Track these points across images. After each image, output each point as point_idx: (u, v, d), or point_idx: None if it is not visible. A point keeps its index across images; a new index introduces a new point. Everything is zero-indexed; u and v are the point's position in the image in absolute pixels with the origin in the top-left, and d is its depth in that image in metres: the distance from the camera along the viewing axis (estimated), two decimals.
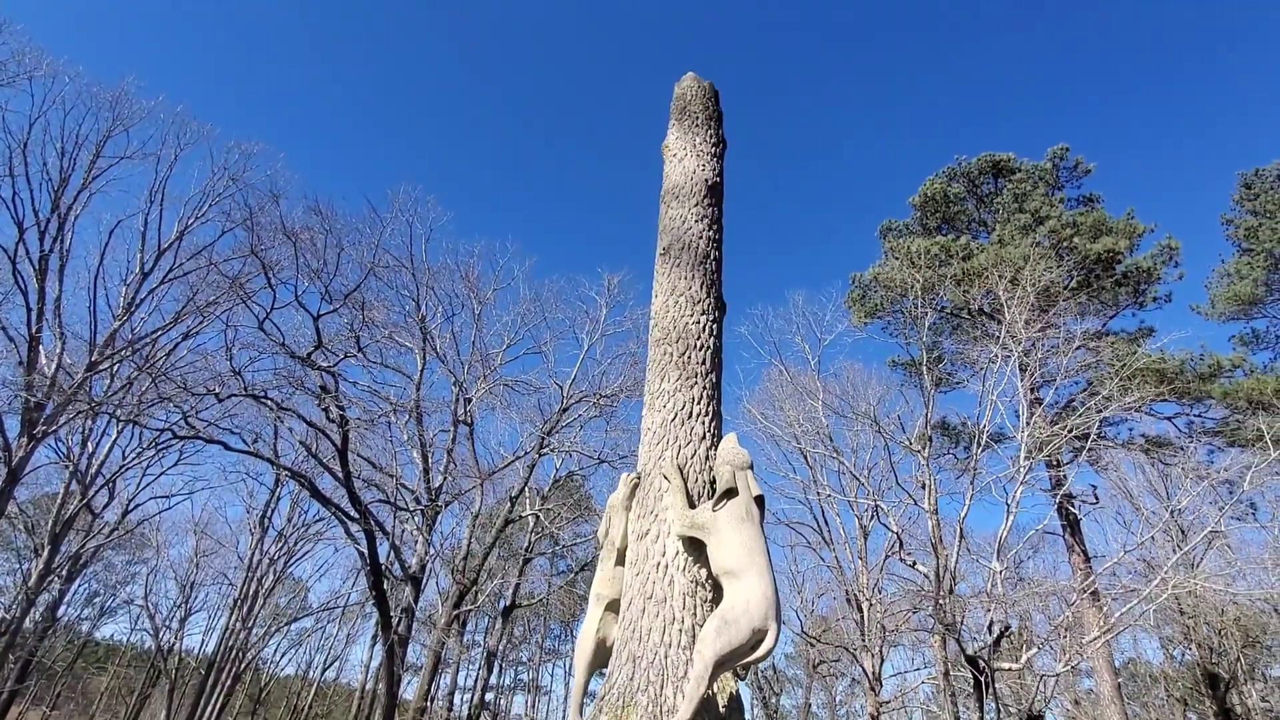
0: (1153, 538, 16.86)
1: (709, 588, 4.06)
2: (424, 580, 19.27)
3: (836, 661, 30.29)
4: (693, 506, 4.25)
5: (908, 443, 18.11)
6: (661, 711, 3.54)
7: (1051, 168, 24.26)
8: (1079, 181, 24.65)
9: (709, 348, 5.20)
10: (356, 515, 16.12)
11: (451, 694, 32.99)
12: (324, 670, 38.49)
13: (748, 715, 3.91)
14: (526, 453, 20.30)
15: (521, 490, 20.35)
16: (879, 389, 21.46)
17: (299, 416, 16.74)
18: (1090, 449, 18.36)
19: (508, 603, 22.65)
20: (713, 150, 6.48)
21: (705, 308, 5.39)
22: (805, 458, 20.70)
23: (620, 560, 4.54)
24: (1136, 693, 33.53)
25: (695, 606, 3.97)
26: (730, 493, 4.05)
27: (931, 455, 17.57)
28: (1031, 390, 16.74)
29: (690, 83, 6.95)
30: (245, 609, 26.16)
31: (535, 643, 39.66)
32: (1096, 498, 20.39)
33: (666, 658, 3.75)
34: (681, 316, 5.29)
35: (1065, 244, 21.33)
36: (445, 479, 19.18)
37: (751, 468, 4.20)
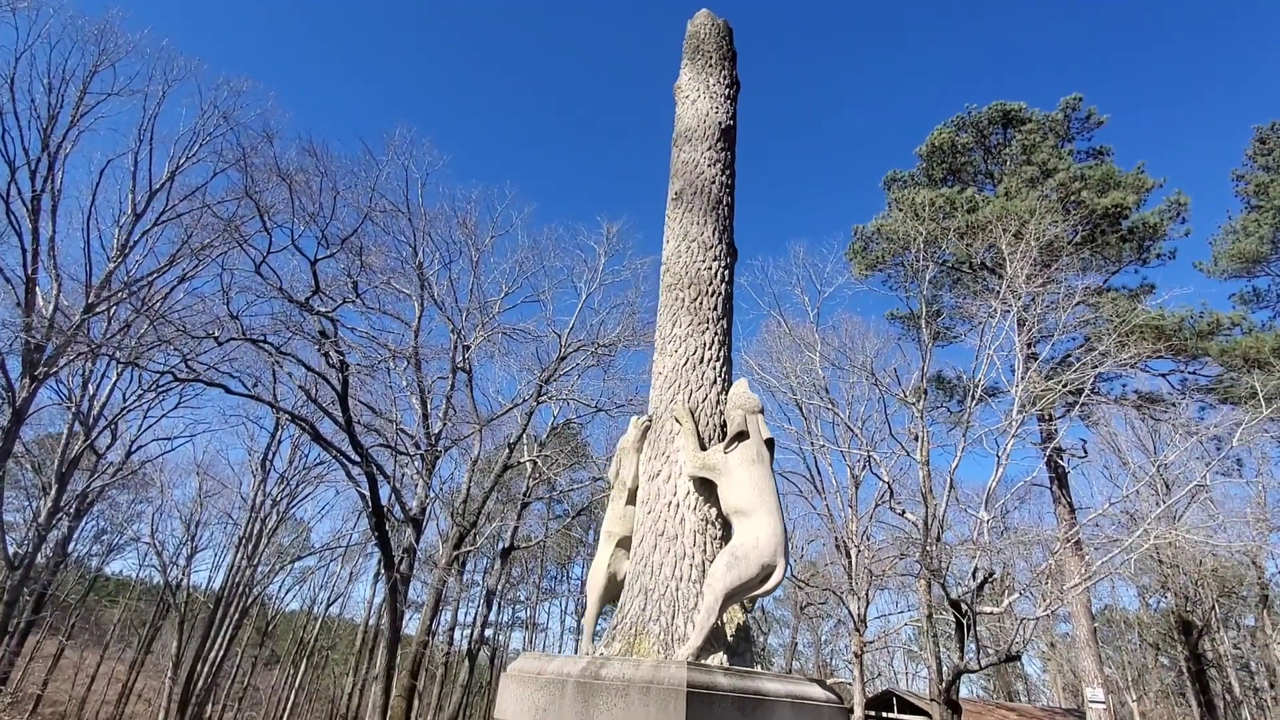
0: (1138, 491, 17.30)
1: (718, 526, 4.19)
2: (424, 522, 19.71)
3: (823, 604, 31.44)
4: (703, 449, 4.35)
5: (903, 395, 18.31)
6: (673, 639, 3.71)
7: (1063, 118, 23.74)
8: (1090, 133, 24.19)
9: (720, 294, 5.20)
10: (357, 459, 16.33)
11: (452, 630, 34.25)
12: (328, 606, 39.73)
13: None
14: (524, 400, 20.45)
15: (520, 437, 20.60)
16: (876, 342, 21.57)
17: (298, 361, 16.75)
18: (1083, 404, 18.64)
19: (506, 544, 23.19)
20: (726, 92, 6.30)
21: (718, 254, 5.36)
22: (800, 408, 20.95)
23: (631, 500, 4.67)
24: (1111, 637, 35.03)
25: (705, 543, 4.10)
26: (741, 435, 4.14)
27: (926, 408, 17.81)
28: (1028, 345, 16.85)
29: (704, 20, 6.71)
30: (250, 548, 26.78)
31: (533, 582, 40.94)
32: (1086, 452, 20.85)
33: (678, 590, 3.91)
34: (694, 262, 5.26)
35: (1072, 197, 21.07)
36: (444, 425, 19.36)
37: (762, 412, 4.28)
